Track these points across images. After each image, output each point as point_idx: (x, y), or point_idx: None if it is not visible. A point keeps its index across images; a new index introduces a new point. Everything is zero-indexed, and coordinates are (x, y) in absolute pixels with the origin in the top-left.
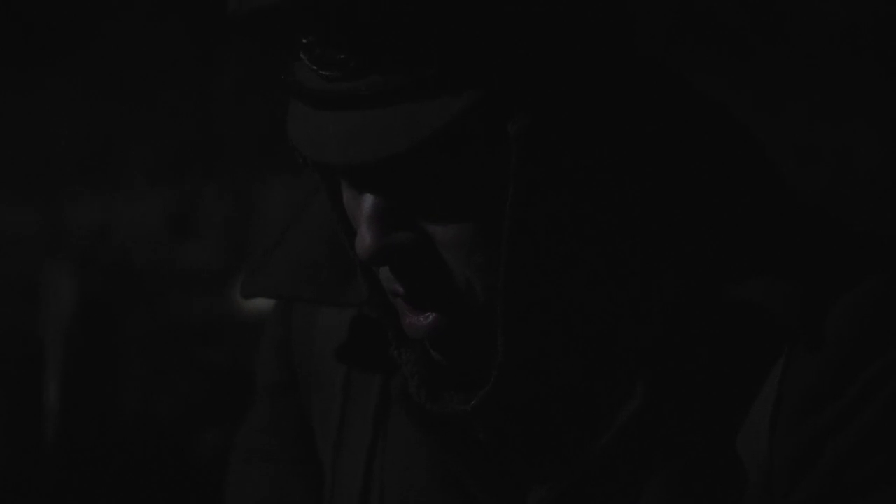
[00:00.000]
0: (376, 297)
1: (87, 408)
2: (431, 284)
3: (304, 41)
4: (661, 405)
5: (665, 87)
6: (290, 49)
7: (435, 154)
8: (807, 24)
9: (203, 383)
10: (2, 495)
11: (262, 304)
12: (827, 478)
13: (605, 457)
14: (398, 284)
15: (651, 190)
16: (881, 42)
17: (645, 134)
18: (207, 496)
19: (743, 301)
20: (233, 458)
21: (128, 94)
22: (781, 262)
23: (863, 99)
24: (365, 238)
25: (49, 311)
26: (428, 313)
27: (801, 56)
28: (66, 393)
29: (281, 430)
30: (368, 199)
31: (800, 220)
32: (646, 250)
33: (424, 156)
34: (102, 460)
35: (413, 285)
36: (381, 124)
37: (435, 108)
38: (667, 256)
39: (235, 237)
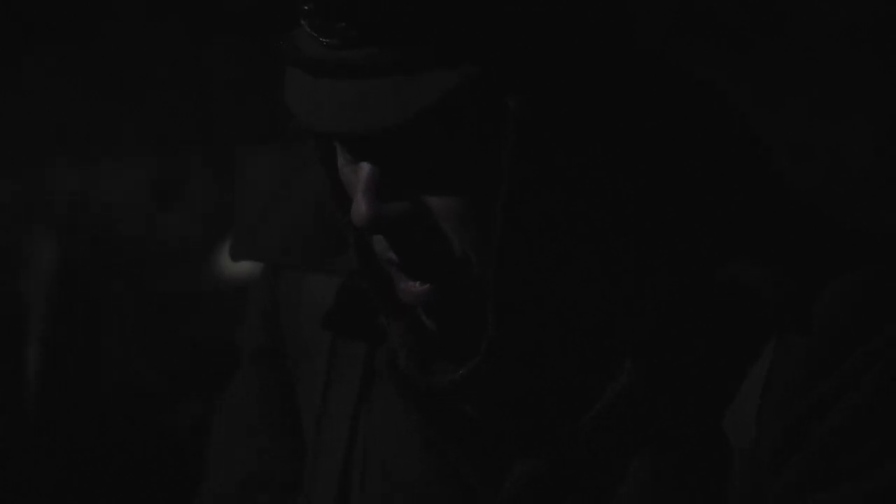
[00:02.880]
0: (366, 267)
1: (69, 377)
2: (427, 254)
3: (306, 8)
4: (649, 384)
5: (662, 80)
6: (291, 16)
7: (431, 127)
8: (806, 22)
9: (186, 354)
10: None
11: (247, 275)
12: (814, 459)
13: (590, 434)
14: (393, 253)
15: (644, 186)
16: (881, 40)
17: (640, 129)
18: (189, 466)
19: (735, 290)
20: (215, 423)
21: (127, 93)
22: (773, 255)
23: (861, 96)
24: (361, 206)
25: (31, 279)
26: (425, 285)
27: (801, 52)
28: (48, 361)
29: (264, 397)
30: (365, 168)
31: (792, 214)
32: (639, 246)
33: (420, 128)
34: (83, 429)
35: (408, 255)
36: (378, 95)
37: (432, 81)
38: (660, 252)
39: (220, 208)
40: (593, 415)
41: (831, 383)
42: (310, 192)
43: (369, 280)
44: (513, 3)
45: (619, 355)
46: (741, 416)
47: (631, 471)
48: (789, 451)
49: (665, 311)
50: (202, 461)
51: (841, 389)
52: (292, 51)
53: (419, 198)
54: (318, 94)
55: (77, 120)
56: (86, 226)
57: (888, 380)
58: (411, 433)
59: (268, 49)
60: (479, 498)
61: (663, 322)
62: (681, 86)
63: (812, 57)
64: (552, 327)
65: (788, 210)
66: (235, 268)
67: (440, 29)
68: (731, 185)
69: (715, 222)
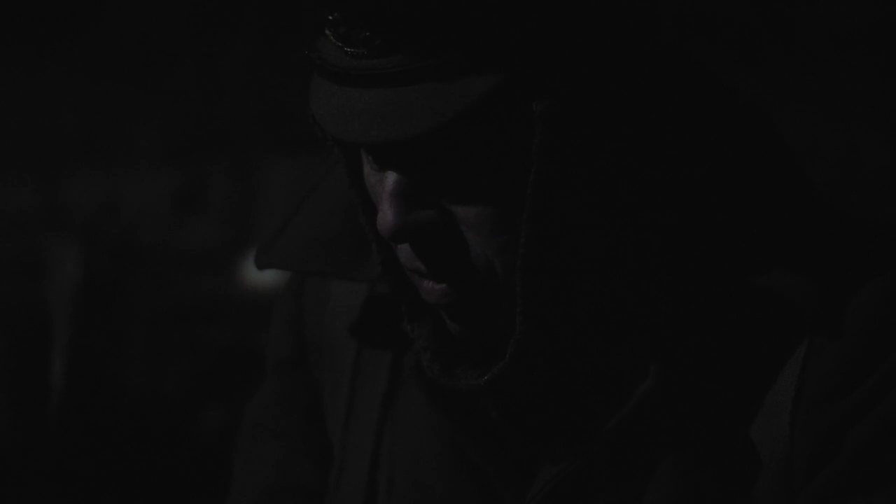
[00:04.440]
0: (390, 273)
1: (93, 385)
2: (452, 262)
3: (331, 18)
4: (675, 389)
5: (686, 74)
6: (316, 25)
7: (458, 134)
8: (811, 25)
9: (207, 362)
10: (6, 471)
11: (267, 282)
12: (845, 468)
13: (615, 437)
14: (419, 262)
15: (671, 180)
16: (883, 43)
17: (663, 129)
18: (211, 474)
19: (762, 291)
20: (241, 433)
21: (136, 79)
22: (800, 254)
23: (867, 99)
24: (387, 215)
25: (55, 288)
26: (446, 284)
27: (806, 56)
28: (72, 370)
29: (290, 406)
30: (391, 177)
31: (817, 212)
32: (665, 239)
33: (448, 135)
34: (107, 437)
35: (434, 263)
36: (405, 103)
37: (459, 88)
38: (686, 246)
39: (241, 216)
40: (619, 418)
41: (865, 390)
42: (333, 200)
43: (393, 285)
44: (539, 8)
45: (643, 356)
46: (769, 420)
47: (656, 475)
48: (823, 457)
49: (688, 311)
50: (223, 466)
51: (875, 396)
52: (317, 60)
53: (446, 205)
54: (344, 104)
55: (91, 118)
56: (109, 234)
57: None
58: (437, 438)
59: (275, 35)
60: (506, 502)
61: (686, 322)
62: (704, 84)
63: (818, 63)
64: (576, 328)
65: (812, 205)
66: (257, 274)
67: (467, 35)
68: (754, 183)
69: (740, 215)
